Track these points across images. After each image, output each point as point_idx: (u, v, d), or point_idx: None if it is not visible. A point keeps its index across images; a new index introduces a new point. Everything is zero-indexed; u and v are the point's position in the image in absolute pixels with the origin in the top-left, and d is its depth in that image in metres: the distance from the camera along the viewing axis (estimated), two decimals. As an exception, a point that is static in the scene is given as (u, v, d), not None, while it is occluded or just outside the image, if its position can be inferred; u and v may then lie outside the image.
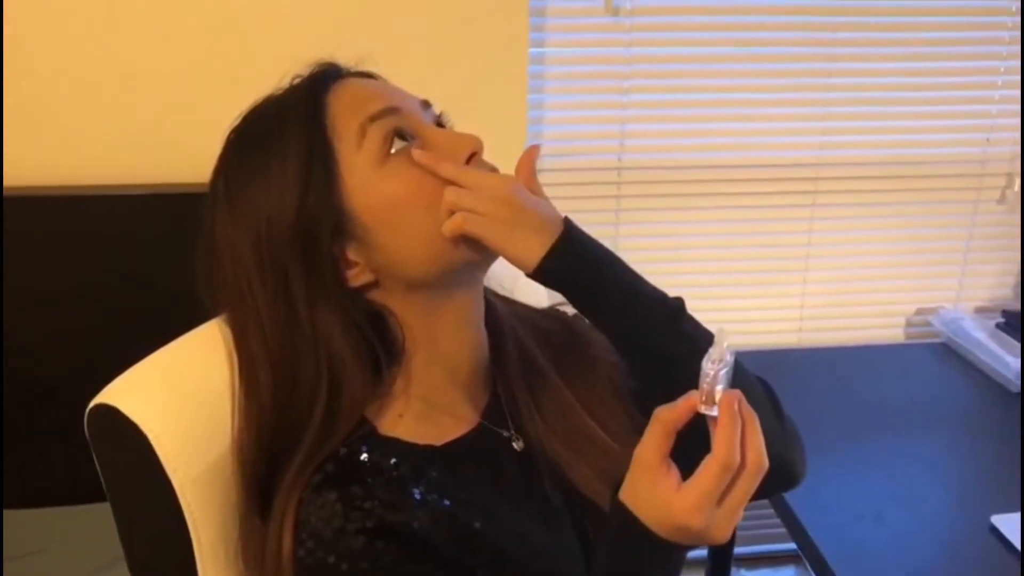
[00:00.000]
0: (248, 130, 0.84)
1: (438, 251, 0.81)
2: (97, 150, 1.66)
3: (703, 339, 0.83)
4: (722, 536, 0.68)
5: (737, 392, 0.68)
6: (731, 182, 1.96)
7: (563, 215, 0.83)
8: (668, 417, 0.69)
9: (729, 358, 0.67)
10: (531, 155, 0.84)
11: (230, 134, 0.85)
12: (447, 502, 0.80)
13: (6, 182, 1.62)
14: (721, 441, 0.67)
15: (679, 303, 0.84)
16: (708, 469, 0.67)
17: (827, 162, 1.98)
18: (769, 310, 2.07)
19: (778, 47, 1.90)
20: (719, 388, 0.67)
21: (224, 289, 0.82)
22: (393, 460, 0.81)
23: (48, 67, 1.61)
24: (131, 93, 1.65)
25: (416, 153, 0.80)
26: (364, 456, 0.81)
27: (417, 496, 0.79)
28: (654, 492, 0.68)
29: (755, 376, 0.91)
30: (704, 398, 0.67)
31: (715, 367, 0.67)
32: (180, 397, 0.85)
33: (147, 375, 0.87)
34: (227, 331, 0.84)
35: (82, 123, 1.65)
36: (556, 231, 0.80)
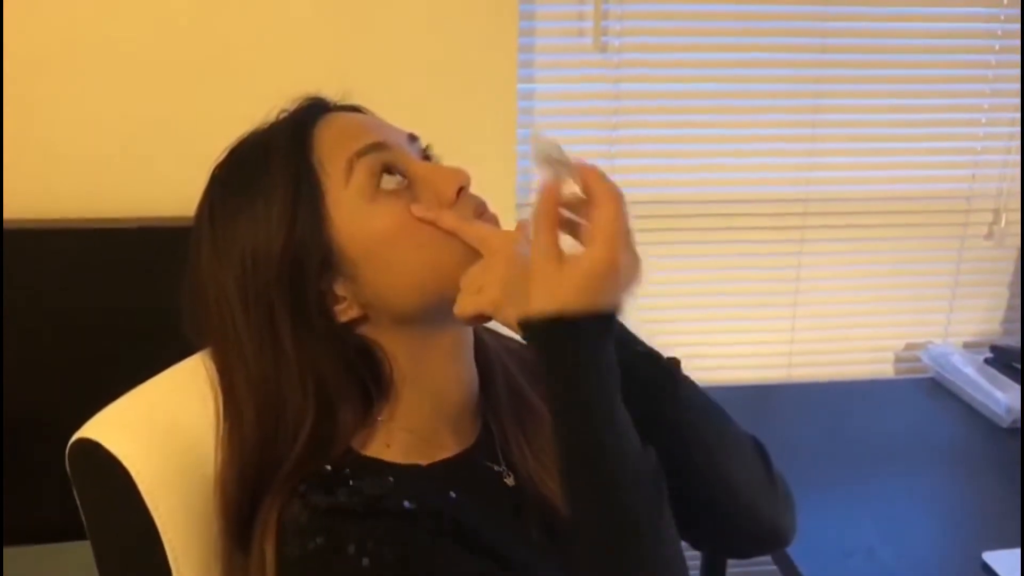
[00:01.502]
0: (233, 165, 0.84)
1: (426, 286, 0.81)
2: (90, 182, 1.65)
3: (702, 402, 0.85)
4: (635, 263, 0.73)
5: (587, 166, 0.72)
6: (720, 216, 1.96)
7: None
8: (545, 211, 0.71)
9: (555, 154, 0.72)
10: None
11: (215, 169, 0.84)
12: (435, 501, 0.80)
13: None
14: (590, 184, 0.71)
15: (674, 366, 0.85)
16: (597, 210, 0.70)
17: (815, 197, 1.98)
18: (758, 344, 2.06)
19: (765, 84, 1.90)
20: (574, 186, 0.72)
21: (208, 325, 0.82)
22: (377, 474, 0.81)
23: (43, 99, 1.61)
24: (125, 125, 1.65)
25: (415, 208, 0.80)
26: (347, 471, 0.80)
27: (406, 505, 0.78)
28: (562, 271, 0.70)
29: (746, 433, 0.91)
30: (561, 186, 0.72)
31: (551, 169, 0.72)
32: (162, 432, 0.85)
33: (129, 410, 0.86)
34: (211, 366, 0.83)
35: (76, 156, 1.64)
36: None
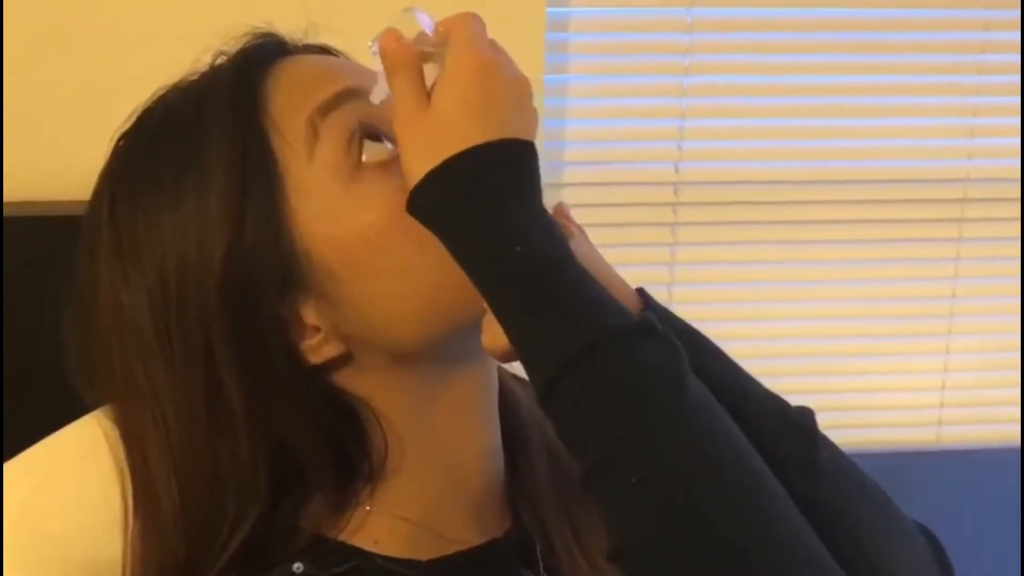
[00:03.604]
0: (149, 134, 0.84)
1: (436, 307, 0.81)
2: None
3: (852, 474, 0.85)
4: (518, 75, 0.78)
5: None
6: (831, 205, 1.99)
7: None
8: (393, 51, 0.77)
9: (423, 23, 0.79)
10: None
11: (119, 141, 0.85)
12: None
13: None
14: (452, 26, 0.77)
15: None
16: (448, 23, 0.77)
17: (980, 176, 2.00)
18: (893, 393, 2.08)
19: (905, 31, 1.97)
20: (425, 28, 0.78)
21: (109, 372, 0.82)
22: (345, 567, 0.82)
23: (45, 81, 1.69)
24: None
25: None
26: (297, 566, 0.81)
27: None
28: (432, 110, 0.75)
29: (910, 520, 0.90)
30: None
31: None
32: (43, 543, 0.84)
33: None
34: (113, 432, 0.84)
35: (78, 138, 1.69)
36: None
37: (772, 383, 0.85)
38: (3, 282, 1.55)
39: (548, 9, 1.78)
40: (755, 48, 1.95)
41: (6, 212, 1.61)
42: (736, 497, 0.68)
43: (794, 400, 0.85)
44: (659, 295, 0.83)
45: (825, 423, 0.86)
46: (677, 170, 1.93)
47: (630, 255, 1.90)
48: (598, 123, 1.94)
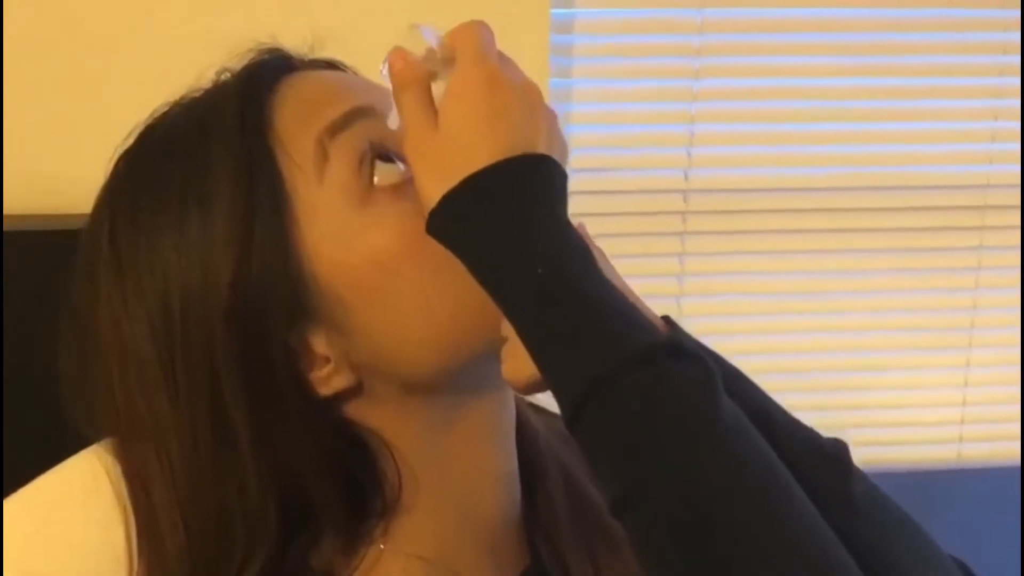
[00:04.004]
0: (151, 154, 0.84)
1: (452, 335, 0.81)
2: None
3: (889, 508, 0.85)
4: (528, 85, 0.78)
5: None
6: (847, 213, 1.98)
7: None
8: (400, 70, 0.77)
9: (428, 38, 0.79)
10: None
11: (119, 161, 0.85)
12: None
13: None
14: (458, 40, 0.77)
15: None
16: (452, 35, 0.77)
17: (1001, 182, 2.00)
18: (913, 409, 2.07)
19: (921, 32, 1.98)
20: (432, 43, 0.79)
21: (110, 405, 0.82)
22: None
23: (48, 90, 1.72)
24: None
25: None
26: None
27: None
28: (441, 129, 0.75)
29: (946, 555, 0.89)
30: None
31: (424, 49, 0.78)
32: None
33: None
34: (114, 468, 0.83)
35: (78, 150, 1.69)
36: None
37: (785, 399, 0.85)
38: (3, 295, 1.56)
39: (552, 11, 1.78)
40: (769, 50, 1.94)
41: (6, 226, 1.62)
42: (778, 531, 0.66)
43: (808, 417, 0.85)
44: (668, 308, 0.83)
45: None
46: (687, 177, 1.93)
47: (637, 266, 1.88)
48: (604, 128, 1.94)
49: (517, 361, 0.76)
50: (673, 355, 0.69)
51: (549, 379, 0.72)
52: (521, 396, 0.93)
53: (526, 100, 0.76)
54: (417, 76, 0.76)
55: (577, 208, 1.82)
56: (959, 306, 2.05)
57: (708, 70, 1.91)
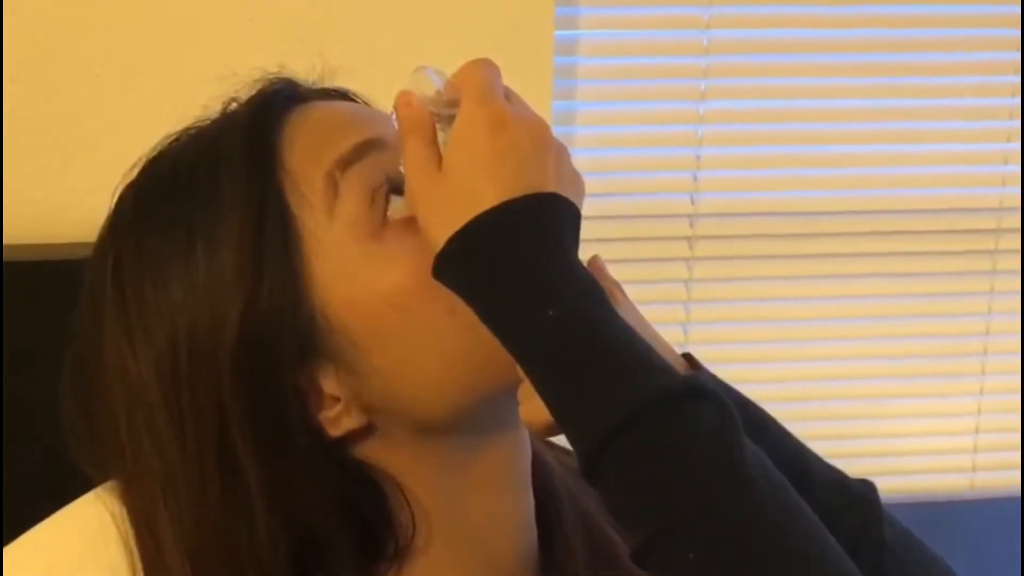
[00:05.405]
0: (156, 188, 0.84)
1: (466, 374, 0.81)
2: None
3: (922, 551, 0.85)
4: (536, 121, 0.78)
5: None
6: (857, 237, 1.98)
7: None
8: (406, 115, 0.77)
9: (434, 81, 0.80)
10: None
11: (123, 193, 0.85)
12: None
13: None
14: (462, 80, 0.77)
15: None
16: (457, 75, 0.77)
17: (1015, 204, 1.99)
18: (923, 437, 2.07)
19: (932, 52, 1.99)
20: (437, 86, 0.79)
21: (115, 447, 0.82)
22: None
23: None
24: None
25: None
26: None
27: None
28: (444, 173, 0.75)
29: None
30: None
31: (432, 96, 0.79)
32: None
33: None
34: (119, 512, 0.83)
35: (80, 179, 1.72)
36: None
37: (794, 428, 0.85)
38: (2, 325, 1.56)
39: (556, 32, 1.78)
40: (777, 71, 1.94)
41: (5, 256, 1.63)
42: (804, 574, 0.66)
43: (818, 447, 0.85)
44: (674, 335, 0.82)
45: (850, 472, 0.86)
46: (693, 201, 1.92)
47: (642, 293, 1.84)
48: (608, 152, 1.93)
49: (537, 402, 0.74)
50: (689, 396, 0.69)
51: (562, 425, 0.72)
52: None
53: (532, 138, 0.75)
54: (420, 120, 0.77)
55: (581, 233, 1.80)
56: (972, 332, 2.05)
57: (714, 91, 1.91)
